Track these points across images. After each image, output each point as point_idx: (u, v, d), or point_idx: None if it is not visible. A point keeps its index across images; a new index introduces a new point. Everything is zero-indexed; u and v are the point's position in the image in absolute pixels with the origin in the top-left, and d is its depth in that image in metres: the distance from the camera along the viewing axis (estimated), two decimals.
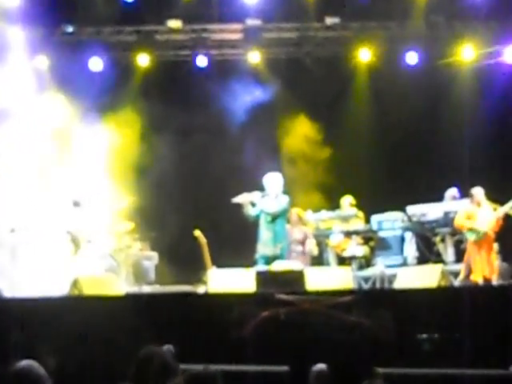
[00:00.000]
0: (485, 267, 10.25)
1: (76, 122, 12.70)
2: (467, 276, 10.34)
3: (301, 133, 13.89)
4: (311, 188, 13.20)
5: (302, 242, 11.19)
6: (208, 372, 3.93)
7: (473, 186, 10.77)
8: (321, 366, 5.54)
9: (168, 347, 5.41)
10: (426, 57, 13.57)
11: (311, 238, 11.31)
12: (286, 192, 10.26)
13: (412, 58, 13.67)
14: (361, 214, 12.14)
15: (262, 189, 10.18)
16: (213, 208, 12.81)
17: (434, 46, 13.55)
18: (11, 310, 7.61)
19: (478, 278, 10.17)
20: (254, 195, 10.11)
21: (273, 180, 10.21)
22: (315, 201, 12.80)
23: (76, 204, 11.60)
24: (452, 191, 11.66)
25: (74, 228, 11.50)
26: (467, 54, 13.46)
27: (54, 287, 10.29)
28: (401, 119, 13.26)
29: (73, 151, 12.52)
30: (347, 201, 12.24)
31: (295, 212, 11.21)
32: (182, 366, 4.46)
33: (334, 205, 12.47)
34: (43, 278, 10.79)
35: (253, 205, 10.14)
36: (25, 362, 3.78)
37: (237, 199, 10.09)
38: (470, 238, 10.48)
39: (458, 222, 10.65)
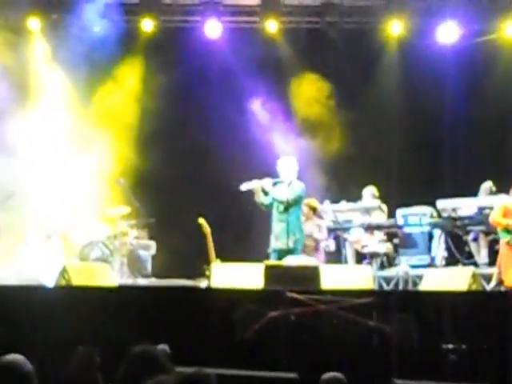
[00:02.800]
0: None
1: (69, 87, 12.82)
2: (501, 281, 10.28)
3: (321, 114, 13.84)
4: (329, 177, 13.15)
5: (315, 237, 11.17)
6: (202, 374, 3.93)
7: None
8: (332, 374, 5.53)
9: (163, 347, 5.42)
10: (466, 32, 13.46)
11: (324, 232, 11.28)
12: (301, 179, 10.27)
13: (449, 33, 13.58)
14: (384, 206, 12.10)
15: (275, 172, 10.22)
16: (221, 192, 12.80)
17: (474, 21, 13.45)
18: None
19: (510, 284, 10.09)
20: (265, 182, 10.12)
21: (286, 164, 10.20)
22: (333, 191, 12.75)
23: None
24: (488, 184, 11.57)
25: (54, 213, 11.62)
26: None
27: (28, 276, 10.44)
28: (433, 101, 13.17)
29: (64, 117, 12.64)
30: (369, 191, 12.21)
31: (307, 203, 11.17)
32: (178, 369, 4.47)
33: (354, 196, 12.44)
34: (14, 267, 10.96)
35: (265, 193, 10.16)
36: (10, 357, 3.80)
37: (246, 186, 10.08)
38: (504, 238, 10.37)
39: (494, 218, 10.54)
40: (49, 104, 12.69)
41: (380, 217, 11.99)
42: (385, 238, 12.02)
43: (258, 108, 13.37)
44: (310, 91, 13.72)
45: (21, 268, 11.32)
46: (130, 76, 13.63)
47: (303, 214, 11.03)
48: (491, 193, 11.46)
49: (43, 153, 12.40)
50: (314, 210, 11.37)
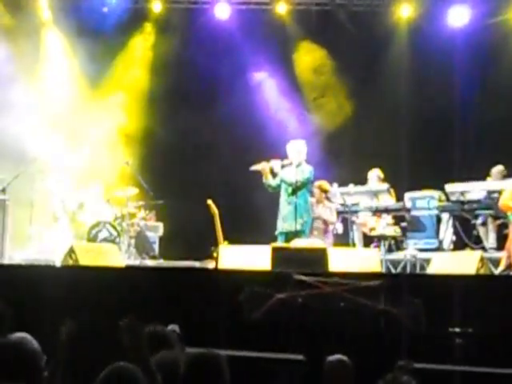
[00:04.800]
0: None
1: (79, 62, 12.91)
2: (509, 265, 10.25)
3: (331, 96, 13.82)
4: (337, 160, 13.12)
5: (326, 219, 11.17)
6: (211, 354, 3.91)
7: None
8: (337, 356, 5.52)
9: (173, 327, 5.42)
10: (476, 15, 13.39)
11: (334, 214, 11.28)
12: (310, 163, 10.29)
13: (459, 15, 13.50)
14: (392, 190, 12.05)
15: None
16: (229, 174, 12.78)
17: (484, 2, 13.35)
18: None
19: None
20: (274, 164, 10.16)
21: (296, 147, 10.21)
22: (341, 174, 12.72)
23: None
24: (499, 168, 11.48)
25: (63, 193, 11.66)
26: None
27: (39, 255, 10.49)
28: (444, 84, 13.08)
29: (73, 93, 12.71)
30: (375, 174, 12.16)
31: (318, 185, 11.19)
32: (188, 350, 4.47)
33: (362, 179, 12.40)
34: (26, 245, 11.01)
35: (274, 175, 10.20)
36: (17, 335, 3.80)
37: (255, 167, 10.13)
38: None
39: (504, 202, 10.44)
40: (58, 78, 12.81)
41: (388, 200, 11.95)
42: (393, 221, 12.00)
43: (267, 86, 13.42)
44: (317, 69, 13.75)
45: (29, 248, 11.37)
46: (139, 52, 13.72)
47: (314, 196, 11.03)
48: (503, 177, 11.38)
49: (52, 132, 12.42)
50: (325, 192, 11.37)
